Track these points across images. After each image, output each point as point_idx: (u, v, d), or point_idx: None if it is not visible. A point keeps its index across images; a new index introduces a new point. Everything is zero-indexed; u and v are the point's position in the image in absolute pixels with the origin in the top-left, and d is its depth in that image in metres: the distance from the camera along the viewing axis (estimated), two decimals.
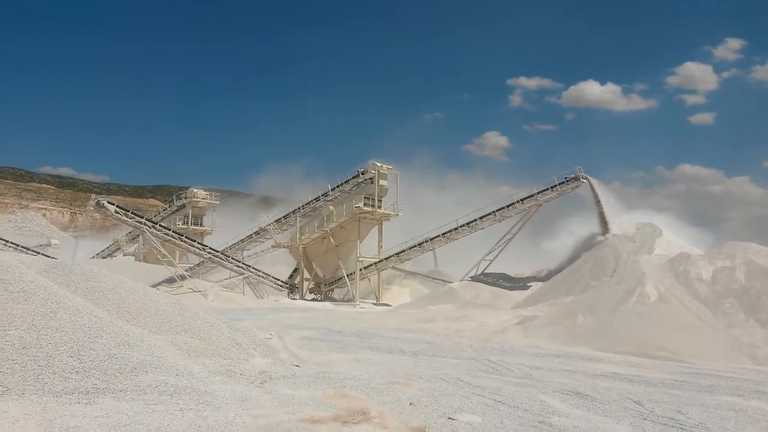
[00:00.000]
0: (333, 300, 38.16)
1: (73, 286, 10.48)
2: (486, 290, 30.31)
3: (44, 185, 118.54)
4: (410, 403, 7.77)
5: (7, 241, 42.76)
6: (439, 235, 35.98)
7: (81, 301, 8.71)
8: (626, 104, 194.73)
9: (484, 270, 34.65)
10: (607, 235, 29.24)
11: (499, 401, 8.36)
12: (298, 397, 7.51)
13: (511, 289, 30.49)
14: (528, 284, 30.69)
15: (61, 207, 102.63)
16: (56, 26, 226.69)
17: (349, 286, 37.35)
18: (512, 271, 33.96)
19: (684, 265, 20.09)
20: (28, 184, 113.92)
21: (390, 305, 33.78)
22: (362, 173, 37.37)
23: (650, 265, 21.06)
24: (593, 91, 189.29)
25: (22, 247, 41.92)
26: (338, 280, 38.68)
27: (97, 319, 7.93)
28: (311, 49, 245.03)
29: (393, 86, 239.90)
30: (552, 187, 33.38)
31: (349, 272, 37.36)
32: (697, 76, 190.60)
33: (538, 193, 33.64)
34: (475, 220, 34.93)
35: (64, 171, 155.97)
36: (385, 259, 37.33)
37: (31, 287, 8.07)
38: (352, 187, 37.91)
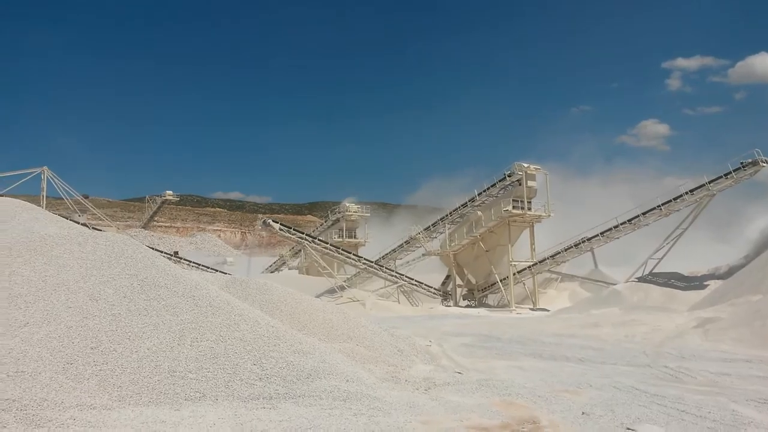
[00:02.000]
0: (487, 306, 37.67)
1: (250, 299, 11.45)
2: (656, 291, 28.01)
3: (217, 209, 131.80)
4: (583, 413, 7.39)
5: (190, 261, 47.97)
6: (597, 235, 34.00)
7: (259, 313, 9.48)
8: None
9: (652, 270, 32.06)
10: None
11: (683, 411, 7.64)
12: (465, 405, 7.48)
13: (685, 289, 27.86)
14: (705, 283, 27.85)
15: (233, 228, 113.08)
16: (217, 60, 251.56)
17: (503, 291, 36.63)
18: (685, 270, 31.01)
19: None
20: (204, 208, 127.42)
21: (548, 310, 32.54)
22: (509, 176, 36.59)
23: None
24: (766, 64, 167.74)
25: (202, 265, 46.77)
26: (491, 285, 38.12)
27: (274, 329, 8.57)
28: (451, 54, 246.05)
29: (535, 85, 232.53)
30: (726, 175, 29.96)
31: (502, 277, 36.66)
32: None
33: (710, 182, 30.41)
34: (638, 216, 32.48)
35: (234, 195, 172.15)
36: (540, 262, 36.06)
37: (216, 302, 8.95)
38: (500, 191, 37.25)
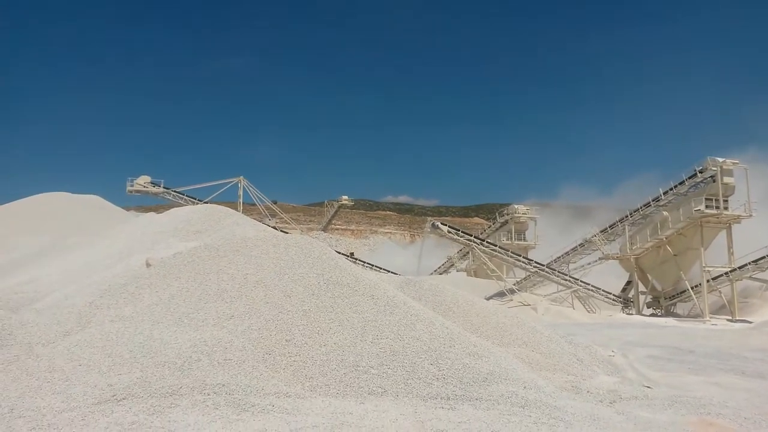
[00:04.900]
0: (676, 315, 34.32)
1: (423, 300, 11.69)
2: None
3: (388, 212, 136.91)
4: None
5: (365, 262, 50.34)
6: None
7: (433, 314, 9.65)
8: None
9: None
10: None
11: None
12: (656, 421, 6.89)
13: None
14: None
15: (402, 230, 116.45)
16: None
17: (695, 299, 33.11)
18: None
19: None
20: (375, 212, 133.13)
21: (750, 322, 28.71)
22: (700, 172, 33.03)
23: None
24: None
25: (376, 266, 48.85)
26: (681, 293, 34.65)
27: (448, 330, 8.66)
28: (635, 44, 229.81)
29: (732, 71, 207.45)
30: None
31: (693, 284, 33.17)
32: None
33: None
34: None
35: (403, 198, 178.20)
36: (739, 268, 31.95)
37: (393, 301, 9.29)
38: (689, 189, 33.76)
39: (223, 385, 6.49)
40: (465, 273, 50.84)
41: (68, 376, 6.63)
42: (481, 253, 37.81)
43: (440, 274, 53.35)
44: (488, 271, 38.66)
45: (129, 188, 47.20)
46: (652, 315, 35.03)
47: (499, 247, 39.21)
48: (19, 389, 6.26)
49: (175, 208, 19.18)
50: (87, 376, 6.62)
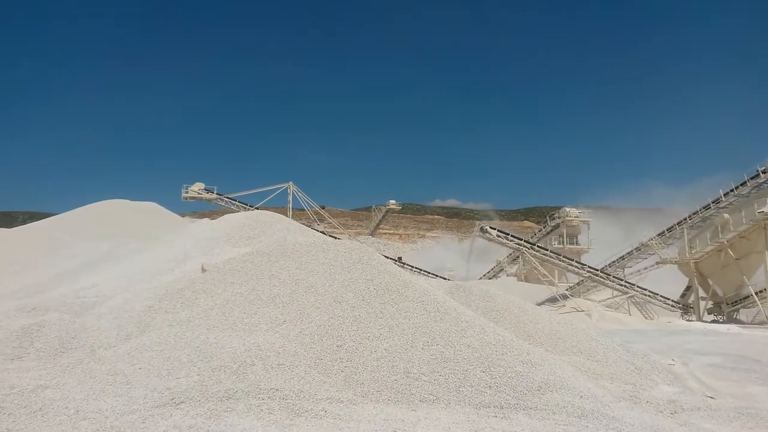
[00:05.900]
0: (739, 322, 32.81)
1: (473, 306, 11.55)
2: None
3: (436, 216, 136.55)
4: None
5: (413, 267, 50.23)
6: None
7: (484, 320, 9.51)
8: None
9: None
10: None
11: None
12: None
13: None
14: None
15: (451, 234, 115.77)
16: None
17: (760, 305, 31.58)
18: None
19: None
20: (423, 216, 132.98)
21: None
22: (763, 172, 31.55)
23: None
24: None
25: (424, 271, 48.62)
26: (744, 298, 33.15)
27: (500, 338, 8.51)
28: (694, 46, 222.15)
29: None
30: None
31: (757, 289, 31.65)
32: None
33: None
34: None
35: (451, 203, 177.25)
36: None
37: (443, 307, 9.20)
38: (752, 190, 32.33)
39: (277, 390, 6.55)
40: (515, 278, 50.08)
41: (129, 380, 6.86)
42: (531, 258, 37.17)
43: (489, 278, 52.72)
44: (539, 276, 37.95)
45: (184, 195, 48.65)
46: (714, 321, 33.60)
47: (550, 251, 38.43)
48: (83, 392, 6.50)
49: (229, 215, 19.61)
50: (147, 379, 6.82)
